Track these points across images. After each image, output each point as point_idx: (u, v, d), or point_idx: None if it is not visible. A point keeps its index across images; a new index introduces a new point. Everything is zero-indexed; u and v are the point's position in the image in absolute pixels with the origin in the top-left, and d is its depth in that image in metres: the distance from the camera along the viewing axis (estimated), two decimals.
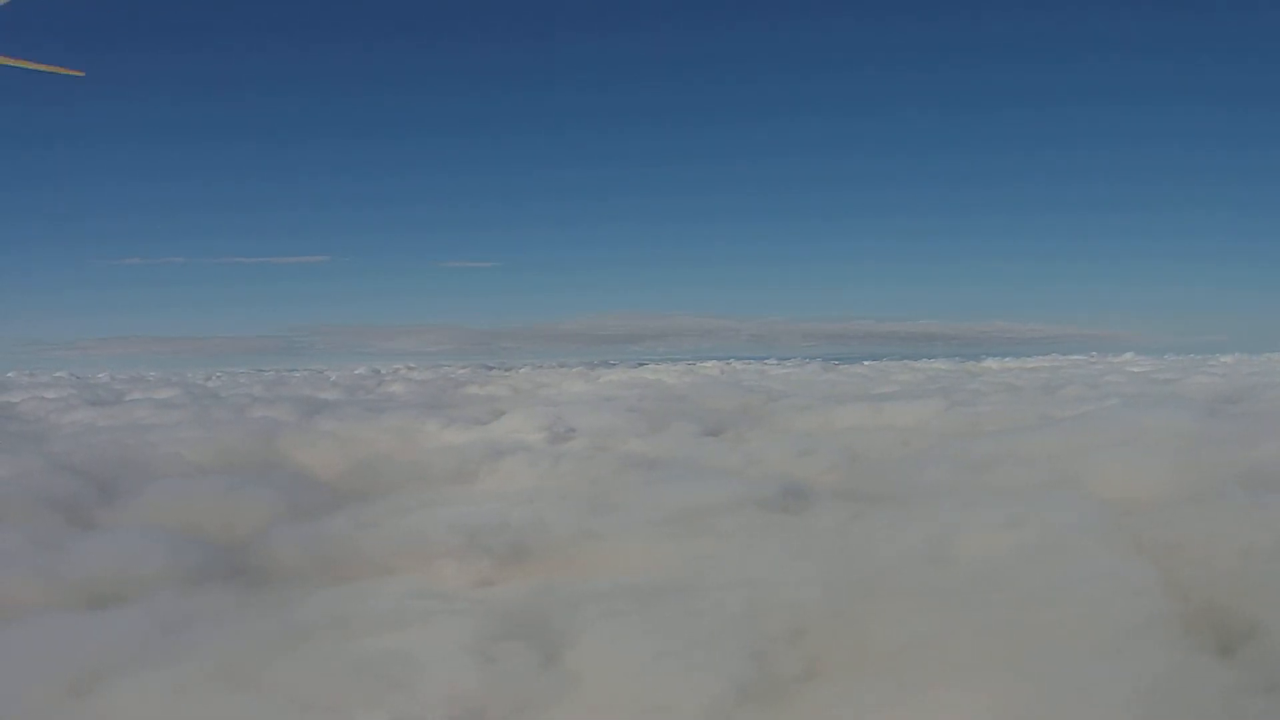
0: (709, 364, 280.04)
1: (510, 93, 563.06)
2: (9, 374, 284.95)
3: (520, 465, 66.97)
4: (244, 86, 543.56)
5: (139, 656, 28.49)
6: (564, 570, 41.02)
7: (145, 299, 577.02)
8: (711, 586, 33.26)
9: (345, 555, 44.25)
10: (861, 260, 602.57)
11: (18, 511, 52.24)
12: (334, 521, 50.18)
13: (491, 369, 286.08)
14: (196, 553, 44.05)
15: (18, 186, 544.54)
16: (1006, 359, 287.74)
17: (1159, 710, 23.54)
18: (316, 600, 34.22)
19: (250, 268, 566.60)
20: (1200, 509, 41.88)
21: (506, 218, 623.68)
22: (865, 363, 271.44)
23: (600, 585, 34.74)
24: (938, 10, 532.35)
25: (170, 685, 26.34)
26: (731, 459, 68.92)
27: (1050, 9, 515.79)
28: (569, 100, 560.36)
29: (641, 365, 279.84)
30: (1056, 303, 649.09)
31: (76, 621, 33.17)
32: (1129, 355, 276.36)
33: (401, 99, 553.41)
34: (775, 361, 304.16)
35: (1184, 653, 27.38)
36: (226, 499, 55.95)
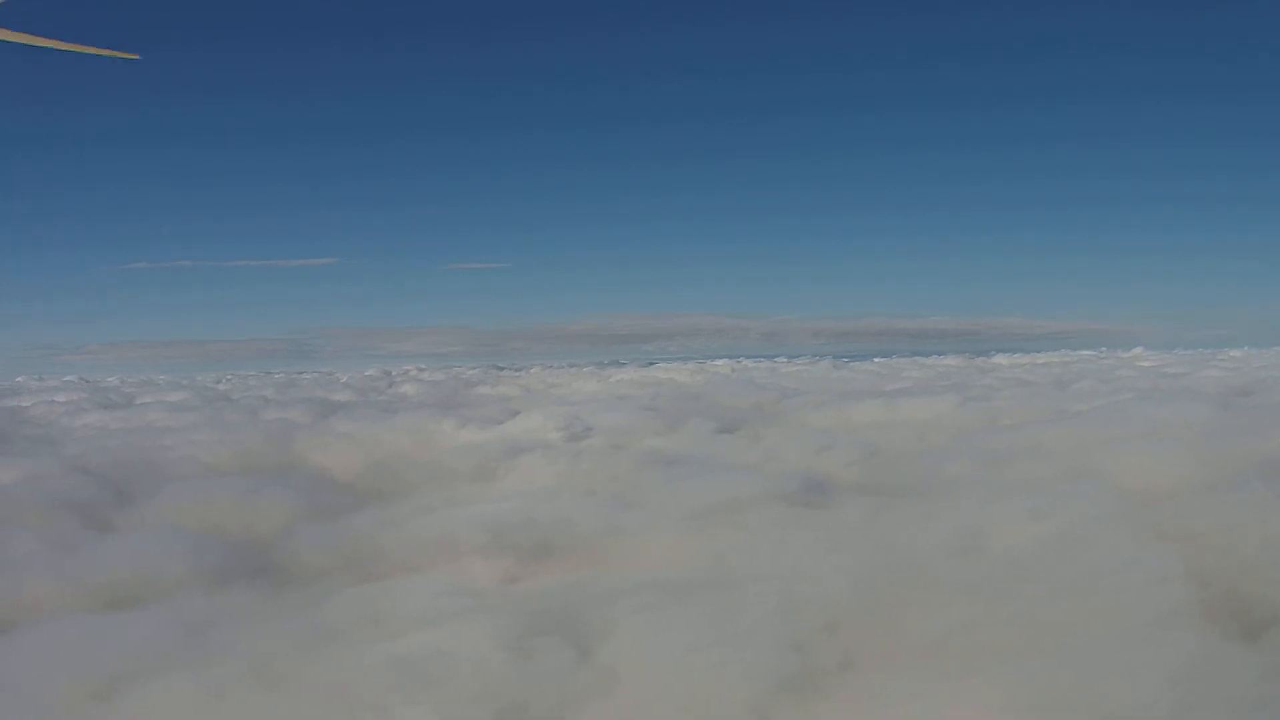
0: (719, 362, 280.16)
1: (518, 94, 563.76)
2: (17, 379, 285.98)
3: (539, 463, 66.86)
4: (251, 89, 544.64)
5: (166, 658, 28.11)
6: (592, 566, 41.01)
7: (153, 303, 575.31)
8: (743, 580, 33.12)
9: (370, 554, 44.11)
10: (870, 258, 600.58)
11: (34, 515, 52.24)
12: (356, 521, 50.22)
13: (502, 369, 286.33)
14: (218, 553, 43.86)
15: (24, 191, 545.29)
16: (1016, 355, 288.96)
17: (1191, 694, 23.52)
18: (345, 599, 33.99)
19: (258, 270, 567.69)
20: (1219, 499, 42.18)
21: (514, 219, 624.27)
22: (875, 360, 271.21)
23: (631, 580, 34.61)
24: (947, 7, 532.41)
25: (202, 686, 26.03)
26: (750, 455, 68.78)
27: (1061, 5, 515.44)
28: (576, 101, 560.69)
29: (651, 365, 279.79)
30: (1064, 299, 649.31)
31: (99, 624, 32.72)
32: (1138, 350, 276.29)
33: (409, 101, 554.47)
34: (785, 359, 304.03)
35: (1211, 639, 27.57)
36: (246, 500, 55.82)
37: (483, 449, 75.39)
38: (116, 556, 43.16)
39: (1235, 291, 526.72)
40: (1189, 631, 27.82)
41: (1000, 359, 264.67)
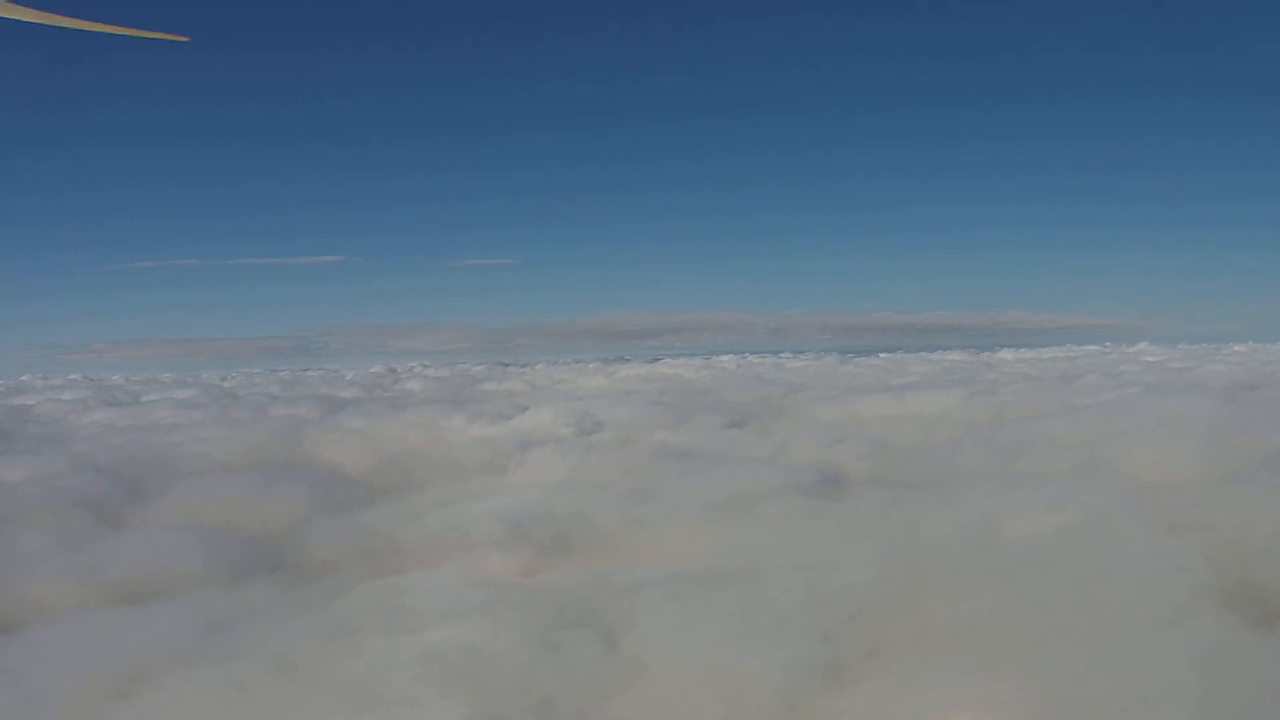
0: (725, 358, 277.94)
1: (523, 91, 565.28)
2: (22, 377, 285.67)
3: (551, 457, 66.65)
4: (255, 87, 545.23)
5: (187, 654, 27.90)
6: (611, 559, 41.02)
7: (157, 302, 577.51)
8: (766, 571, 33.20)
9: (385, 548, 44.23)
10: (873, 253, 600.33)
11: (45, 512, 52.25)
12: (369, 516, 50.31)
13: (507, 366, 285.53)
14: (234, 549, 43.85)
15: (27, 190, 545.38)
16: (1021, 350, 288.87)
17: (1217, 680, 23.60)
18: (364, 593, 33.80)
19: (263, 268, 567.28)
20: (1230, 491, 42.22)
21: (518, 217, 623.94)
22: (880, 355, 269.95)
23: (653, 572, 34.62)
24: (951, 2, 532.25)
25: (225, 681, 25.91)
26: (761, 449, 68.81)
27: None
28: (581, 98, 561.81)
29: (656, 361, 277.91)
30: (1068, 293, 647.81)
31: (116, 620, 32.51)
32: (1143, 345, 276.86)
33: (415, 98, 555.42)
34: (790, 355, 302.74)
35: (1232, 627, 27.56)
36: (258, 496, 55.87)
37: (494, 444, 75.64)
38: (130, 553, 43.09)
39: (1239, 286, 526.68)
40: (1209, 619, 27.83)
41: (1005, 354, 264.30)
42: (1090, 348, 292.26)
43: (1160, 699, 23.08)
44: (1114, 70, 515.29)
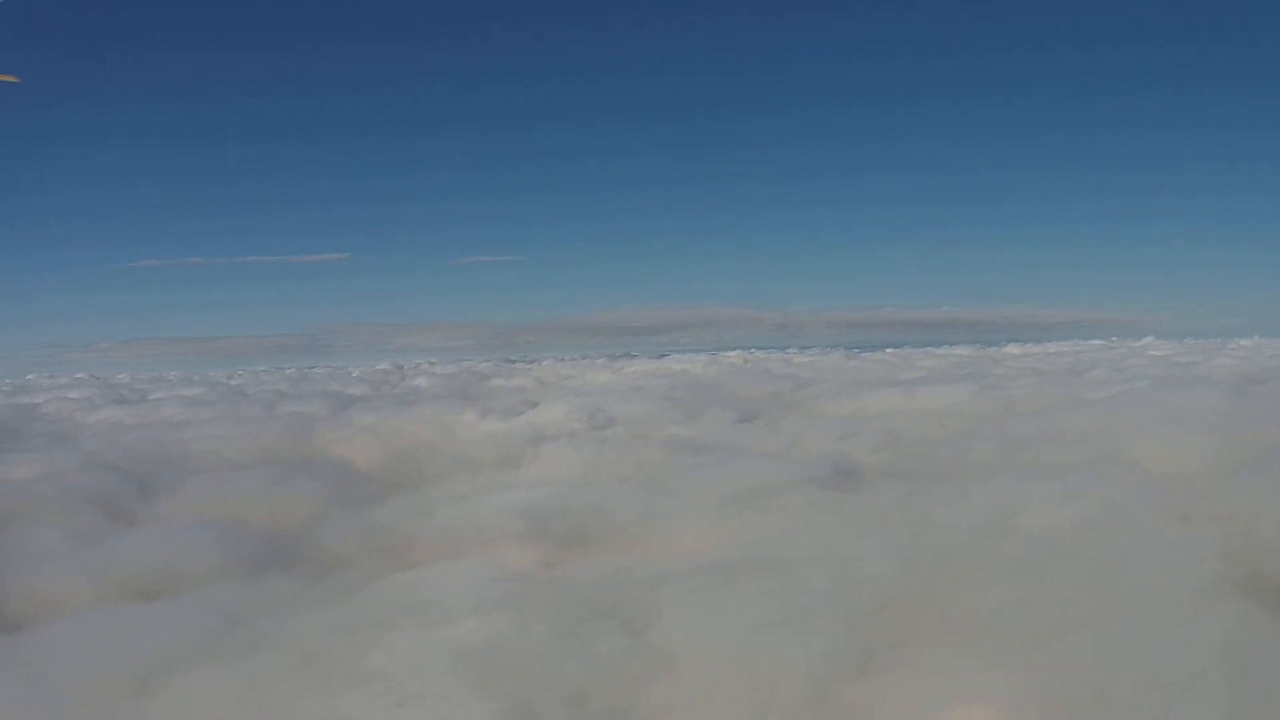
0: (732, 354, 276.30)
1: (529, 87, 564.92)
2: (28, 376, 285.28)
3: (565, 451, 66.70)
4: (260, 85, 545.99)
5: (205, 649, 27.85)
6: (631, 551, 41.06)
7: (162, 300, 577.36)
8: (788, 563, 33.17)
9: (402, 542, 44.29)
10: (879, 249, 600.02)
11: (55, 510, 52.07)
12: (384, 510, 50.37)
13: (514, 362, 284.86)
14: (248, 544, 43.76)
15: (32, 190, 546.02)
16: (1027, 344, 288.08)
17: (1240, 667, 23.67)
18: (385, 587, 33.65)
19: (268, 266, 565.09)
20: (1242, 482, 41.97)
21: (524, 214, 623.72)
22: (887, 350, 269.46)
23: (674, 564, 34.66)
24: None
25: (247, 677, 25.76)
26: (773, 443, 68.83)
27: None
28: (587, 94, 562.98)
29: (663, 357, 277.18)
30: (1073, 288, 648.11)
31: (130, 616, 32.35)
32: (1149, 339, 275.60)
33: (419, 95, 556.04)
34: (797, 350, 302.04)
35: (1251, 615, 27.52)
36: (271, 491, 55.79)
37: (506, 438, 75.79)
38: (143, 549, 42.99)
39: (1244, 281, 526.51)
40: (1229, 607, 27.81)
41: (1012, 348, 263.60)
42: (1096, 342, 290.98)
43: (1186, 686, 23.11)
44: (1119, 65, 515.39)
